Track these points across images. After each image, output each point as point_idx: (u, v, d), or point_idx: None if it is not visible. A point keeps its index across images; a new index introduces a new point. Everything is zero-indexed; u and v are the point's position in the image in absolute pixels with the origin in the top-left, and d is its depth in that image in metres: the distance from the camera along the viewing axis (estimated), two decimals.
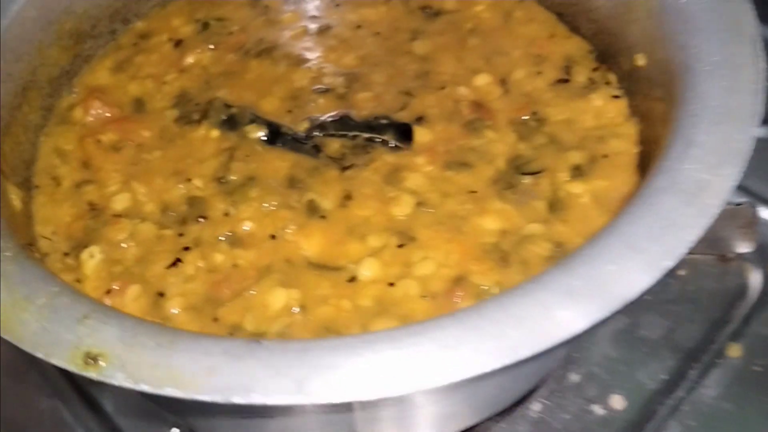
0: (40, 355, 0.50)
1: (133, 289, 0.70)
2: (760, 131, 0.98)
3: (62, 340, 0.50)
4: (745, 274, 0.97)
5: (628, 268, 0.51)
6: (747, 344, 0.91)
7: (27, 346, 0.50)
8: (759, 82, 0.61)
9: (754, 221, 0.91)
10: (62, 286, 0.55)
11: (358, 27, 0.92)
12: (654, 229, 0.53)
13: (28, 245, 0.65)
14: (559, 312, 0.49)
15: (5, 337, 0.51)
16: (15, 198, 0.72)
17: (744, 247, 0.95)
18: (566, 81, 0.85)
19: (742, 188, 1.00)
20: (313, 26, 0.93)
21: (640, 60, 0.78)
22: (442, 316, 0.50)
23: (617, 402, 0.86)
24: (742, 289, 0.96)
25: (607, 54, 0.86)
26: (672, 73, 0.69)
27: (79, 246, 0.74)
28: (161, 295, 0.70)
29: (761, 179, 1.02)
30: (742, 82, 0.61)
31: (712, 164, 0.56)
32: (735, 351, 0.90)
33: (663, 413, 0.86)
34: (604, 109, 0.82)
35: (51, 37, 0.83)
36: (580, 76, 0.85)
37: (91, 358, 0.49)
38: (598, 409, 0.86)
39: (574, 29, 0.90)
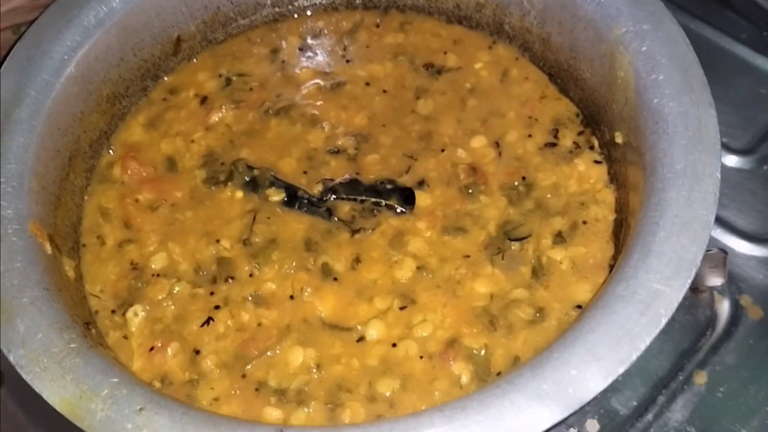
0: None
1: (173, 347, 0.81)
2: (732, 161, 1.07)
3: (124, 429, 0.62)
4: (714, 305, 1.06)
5: (588, 373, 0.62)
6: (712, 371, 1.01)
7: None
8: (714, 193, 0.70)
9: (725, 264, 1.01)
10: (121, 376, 0.66)
11: (367, 84, 1.01)
12: (611, 337, 0.64)
13: (86, 325, 0.76)
14: (530, 412, 0.61)
15: (77, 424, 0.63)
16: (69, 269, 0.82)
17: (714, 282, 1.05)
18: (554, 145, 0.94)
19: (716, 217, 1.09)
20: (326, 83, 1.02)
21: (618, 138, 0.87)
22: (434, 413, 0.62)
23: (592, 426, 0.97)
24: (711, 320, 1.05)
25: (592, 119, 0.94)
26: (642, 167, 0.78)
27: (124, 304, 0.85)
28: (197, 352, 0.81)
29: (734, 209, 1.10)
30: (700, 193, 0.70)
31: (665, 275, 0.66)
32: (701, 378, 1.00)
33: None
34: (587, 174, 0.91)
35: (91, 106, 0.92)
36: (567, 139, 0.94)
37: None
38: None
39: (564, 91, 0.98)
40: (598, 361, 0.63)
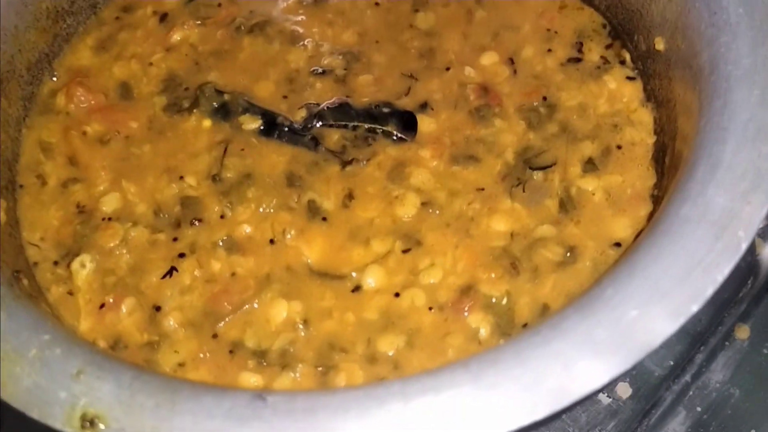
0: (34, 415, 0.47)
1: (128, 303, 0.68)
2: None
3: (57, 399, 0.48)
4: (756, 251, 0.94)
5: (652, 313, 0.49)
6: (755, 325, 0.89)
7: (19, 405, 0.48)
8: None
9: None
10: (54, 333, 0.52)
11: None
12: (680, 268, 0.50)
13: (16, 274, 0.61)
14: (580, 365, 0.47)
15: None
16: (1, 213, 0.68)
17: None
18: (578, 60, 0.80)
19: None
20: None
21: (660, 44, 0.73)
22: (455, 368, 0.48)
23: (623, 390, 0.85)
24: (752, 267, 0.93)
25: (622, 30, 0.81)
26: (697, 69, 0.64)
27: (69, 254, 0.71)
28: (158, 308, 0.67)
29: None
30: None
31: (742, 190, 0.53)
32: (743, 333, 0.89)
33: (669, 400, 0.85)
34: (618, 92, 0.78)
35: (27, 20, 0.77)
36: (593, 54, 0.81)
37: (88, 421, 0.46)
38: (604, 398, 0.85)
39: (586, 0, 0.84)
40: (665, 298, 0.49)
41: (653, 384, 0.86)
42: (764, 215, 0.52)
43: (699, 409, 0.85)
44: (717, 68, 0.60)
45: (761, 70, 0.58)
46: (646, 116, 0.76)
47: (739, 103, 0.57)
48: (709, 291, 0.49)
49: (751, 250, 0.94)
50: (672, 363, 0.87)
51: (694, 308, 0.48)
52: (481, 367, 0.48)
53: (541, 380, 0.47)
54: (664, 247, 0.51)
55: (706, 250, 0.51)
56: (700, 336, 0.89)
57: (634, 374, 0.86)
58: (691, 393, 0.86)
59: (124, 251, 0.70)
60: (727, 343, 0.88)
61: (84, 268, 0.69)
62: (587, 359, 0.47)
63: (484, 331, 0.65)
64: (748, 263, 0.94)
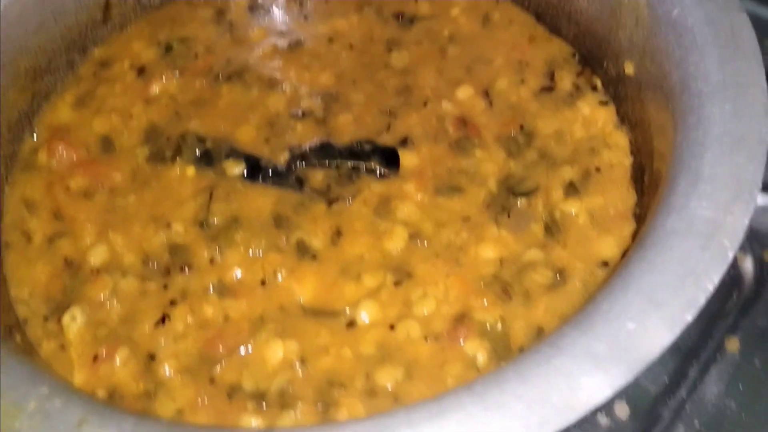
0: None
1: (122, 353, 0.67)
2: None
3: None
4: (738, 263, 0.96)
5: (649, 324, 0.49)
6: (745, 337, 0.90)
7: None
8: (763, 103, 0.59)
9: None
10: (52, 386, 0.51)
11: (330, 40, 0.88)
12: (672, 279, 0.51)
13: (9, 329, 0.61)
14: (582, 380, 0.47)
15: None
16: None
17: None
18: (551, 89, 0.82)
19: None
20: (282, 42, 0.89)
21: (629, 68, 0.75)
22: (460, 392, 0.48)
23: (621, 410, 0.85)
24: (736, 280, 0.95)
25: (591, 57, 0.83)
26: (668, 89, 0.66)
27: (59, 308, 0.70)
28: (152, 357, 0.66)
29: None
30: (747, 104, 0.59)
31: (723, 201, 0.54)
32: (733, 345, 0.90)
33: (668, 417, 0.85)
34: (593, 117, 0.80)
35: (6, 80, 0.78)
36: (565, 81, 0.83)
37: None
38: (603, 420, 0.84)
39: (555, 30, 0.87)
40: (660, 308, 0.50)
41: (650, 402, 0.86)
42: (747, 224, 0.53)
43: (697, 424, 0.85)
44: (688, 87, 0.62)
45: (730, 85, 0.60)
46: (621, 138, 0.77)
47: (712, 117, 0.59)
48: (702, 300, 0.50)
49: (734, 263, 0.96)
50: (666, 379, 0.87)
51: (689, 317, 0.49)
52: (485, 389, 0.48)
53: (546, 397, 0.47)
54: (654, 259, 0.53)
55: (695, 261, 0.52)
56: (692, 351, 0.89)
57: (630, 393, 0.87)
58: (687, 408, 0.86)
59: (115, 302, 0.70)
60: (718, 355, 0.89)
61: (75, 321, 0.69)
62: (589, 374, 0.48)
63: (481, 358, 0.65)
64: (732, 276, 0.95)
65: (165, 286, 0.71)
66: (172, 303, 0.70)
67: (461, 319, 0.67)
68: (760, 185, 0.55)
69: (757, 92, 0.59)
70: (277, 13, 0.91)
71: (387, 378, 0.64)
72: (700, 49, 0.63)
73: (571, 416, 0.46)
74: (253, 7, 0.92)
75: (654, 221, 0.56)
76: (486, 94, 0.82)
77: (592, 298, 0.53)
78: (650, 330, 0.49)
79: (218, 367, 0.66)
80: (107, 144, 0.81)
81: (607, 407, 0.85)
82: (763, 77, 0.61)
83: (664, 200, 0.56)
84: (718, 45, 0.63)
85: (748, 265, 0.96)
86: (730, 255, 0.52)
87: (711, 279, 0.50)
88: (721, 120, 0.59)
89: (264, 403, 0.63)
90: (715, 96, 0.60)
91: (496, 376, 0.49)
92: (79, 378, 0.66)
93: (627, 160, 0.76)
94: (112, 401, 0.64)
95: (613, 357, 0.48)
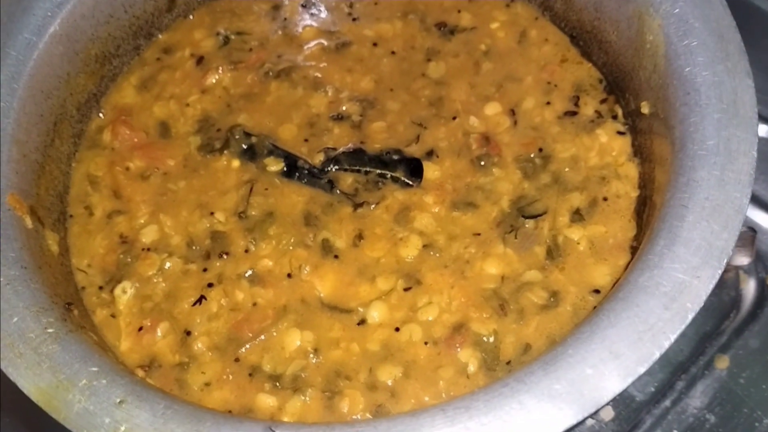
0: None
1: (163, 327, 0.77)
2: (762, 130, 1.00)
3: (102, 423, 0.58)
4: (740, 286, 1.01)
5: (605, 372, 0.57)
6: (735, 356, 0.96)
7: (72, 426, 0.58)
8: (749, 173, 0.64)
9: (753, 243, 0.94)
10: (101, 365, 0.62)
11: (375, 45, 0.94)
12: (632, 333, 0.58)
13: (67, 306, 0.71)
14: (540, 415, 0.55)
15: (53, 416, 0.58)
16: (52, 243, 0.77)
17: (741, 261, 0.99)
18: (574, 113, 0.87)
19: None
20: (330, 43, 0.95)
21: (645, 108, 0.80)
22: (432, 413, 0.57)
23: (606, 413, 0.93)
24: (735, 302, 1.00)
25: (616, 86, 0.87)
26: (670, 143, 0.71)
27: (112, 280, 0.80)
28: (188, 333, 0.76)
29: (763, 182, 1.04)
30: (733, 173, 0.64)
31: (693, 265, 0.60)
32: (722, 363, 0.96)
33: (648, 423, 0.93)
34: (609, 146, 0.84)
35: (78, 67, 0.86)
36: (588, 107, 0.87)
37: None
38: (588, 419, 0.92)
39: (586, 54, 0.91)
40: (617, 359, 0.57)
41: (634, 408, 0.93)
42: (711, 289, 0.60)
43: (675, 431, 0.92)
44: (685, 146, 0.67)
45: (722, 152, 0.65)
46: (632, 170, 0.82)
47: (700, 182, 0.64)
48: (656, 355, 0.57)
49: (735, 285, 1.01)
50: (653, 389, 0.94)
51: (641, 370, 0.57)
52: (456, 413, 0.57)
53: (506, 426, 0.55)
54: (620, 313, 0.60)
55: (656, 319, 0.59)
56: (682, 365, 0.96)
57: (617, 398, 0.94)
58: (669, 417, 0.93)
59: (160, 279, 0.80)
60: (706, 372, 0.95)
61: (125, 293, 0.79)
62: (546, 409, 0.56)
63: (472, 366, 0.73)
64: (732, 297, 1.00)
65: (204, 269, 0.80)
66: (209, 285, 0.79)
67: (459, 328, 0.75)
68: (730, 252, 0.61)
69: (746, 162, 0.64)
70: (327, 12, 0.97)
71: (387, 375, 0.73)
72: (702, 111, 0.68)
73: None
74: (306, 5, 0.98)
75: (630, 275, 0.62)
76: (512, 112, 0.88)
77: (562, 342, 0.60)
78: (605, 377, 0.57)
79: (243, 349, 0.75)
80: (164, 129, 0.90)
81: None
82: (755, 145, 0.66)
83: (642, 255, 0.63)
84: (720, 109, 0.67)
85: (750, 288, 1.01)
86: (690, 316, 0.58)
87: (668, 337, 0.57)
88: (707, 186, 0.64)
89: (279, 385, 0.73)
90: (707, 160, 0.65)
91: (466, 401, 0.57)
92: (125, 345, 0.76)
93: (634, 193, 0.81)
94: (152, 369, 0.75)
95: (569, 397, 0.56)
